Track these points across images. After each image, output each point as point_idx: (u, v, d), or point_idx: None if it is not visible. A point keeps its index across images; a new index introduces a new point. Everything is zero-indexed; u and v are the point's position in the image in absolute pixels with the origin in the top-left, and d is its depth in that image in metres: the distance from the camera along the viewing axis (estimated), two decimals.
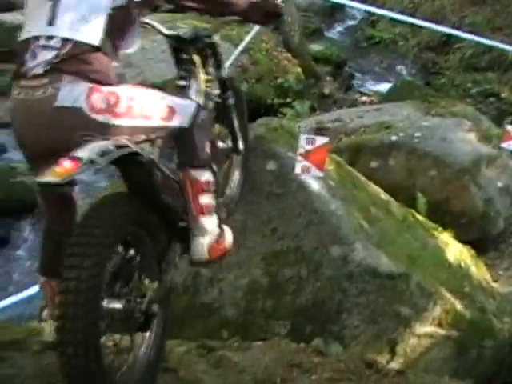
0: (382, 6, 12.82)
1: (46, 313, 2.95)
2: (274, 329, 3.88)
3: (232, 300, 3.96)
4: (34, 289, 4.59)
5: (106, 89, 2.66)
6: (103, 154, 2.49)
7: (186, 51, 3.38)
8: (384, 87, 10.90)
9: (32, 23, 2.74)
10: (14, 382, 2.92)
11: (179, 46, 3.39)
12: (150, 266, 2.84)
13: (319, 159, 3.84)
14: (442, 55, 11.97)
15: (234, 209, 3.91)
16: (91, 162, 2.44)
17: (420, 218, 4.99)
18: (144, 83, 6.15)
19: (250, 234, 4.01)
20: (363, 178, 4.74)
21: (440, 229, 4.99)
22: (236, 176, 3.96)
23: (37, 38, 2.67)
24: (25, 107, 2.65)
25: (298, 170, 3.86)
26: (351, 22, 14.14)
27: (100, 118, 2.63)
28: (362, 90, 11.01)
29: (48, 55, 2.62)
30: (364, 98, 10.38)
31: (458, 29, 11.26)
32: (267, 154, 4.11)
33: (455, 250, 4.82)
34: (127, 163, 2.71)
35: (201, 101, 3.28)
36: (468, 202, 5.84)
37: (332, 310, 3.87)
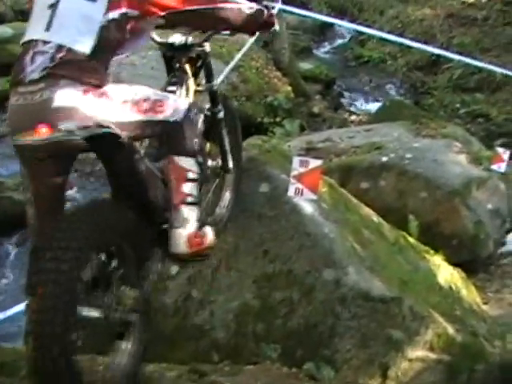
0: (371, 26, 12.91)
1: None
2: (265, 352, 3.83)
3: (223, 322, 3.92)
4: (20, 307, 4.54)
5: (100, 89, 2.74)
6: (83, 128, 2.59)
7: (177, 59, 3.40)
8: (373, 106, 10.97)
9: (33, 28, 2.85)
10: None
11: (170, 54, 3.40)
12: (129, 274, 2.82)
13: (313, 182, 3.82)
14: (430, 75, 12.05)
15: (222, 229, 3.88)
16: (69, 131, 2.52)
17: (411, 240, 4.98)
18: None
19: (242, 256, 3.98)
20: (355, 201, 4.72)
21: (431, 251, 4.99)
22: (227, 196, 3.95)
23: (35, 42, 2.77)
24: (24, 111, 2.70)
25: (291, 192, 3.84)
26: (340, 41, 14.22)
27: (96, 114, 2.70)
28: (351, 108, 11.06)
29: (44, 60, 2.71)
30: (353, 117, 10.41)
31: (446, 49, 11.37)
32: (260, 176, 4.09)
33: (446, 273, 4.81)
34: (108, 145, 2.75)
35: None
36: (458, 224, 5.84)
37: (324, 334, 3.84)
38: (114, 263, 2.78)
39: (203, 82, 3.60)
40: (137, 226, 2.85)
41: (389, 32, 12.00)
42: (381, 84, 12.20)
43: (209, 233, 3.21)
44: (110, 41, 2.82)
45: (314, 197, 3.87)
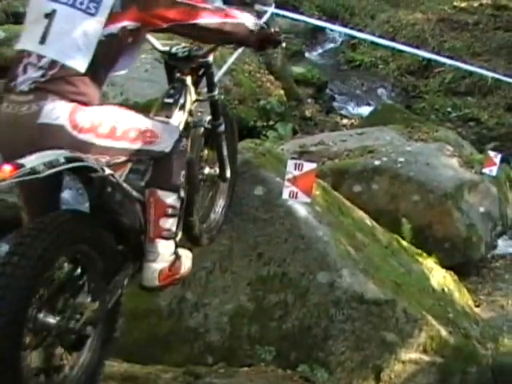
0: (362, 30, 12.94)
1: None
2: (260, 355, 3.85)
3: (217, 325, 3.94)
4: None
5: (89, 109, 2.67)
6: (50, 164, 2.45)
7: (178, 69, 3.36)
8: (365, 110, 10.97)
9: (27, 36, 2.77)
10: None
11: (172, 63, 3.37)
12: (95, 286, 2.78)
13: (307, 185, 3.84)
14: (422, 79, 12.06)
15: (216, 235, 3.88)
16: (32, 170, 2.38)
17: (404, 243, 5.01)
18: (127, 104, 6.17)
19: (236, 259, 4.00)
20: (349, 204, 4.75)
21: (424, 254, 5.02)
22: (221, 202, 3.93)
23: (29, 53, 2.69)
24: (10, 121, 2.66)
25: (285, 195, 3.86)
26: (332, 45, 14.20)
27: (82, 136, 2.64)
28: (343, 112, 11.04)
29: (36, 73, 2.65)
30: (345, 121, 10.40)
31: (437, 53, 11.38)
32: (255, 179, 4.11)
33: (439, 276, 4.85)
34: (81, 177, 2.72)
35: (183, 122, 3.26)
36: (451, 227, 5.87)
37: (318, 337, 3.86)
38: (80, 273, 2.73)
39: (204, 91, 3.55)
40: (108, 242, 2.81)
41: (380, 36, 12.02)
42: (372, 88, 12.20)
43: (185, 261, 3.19)
44: (106, 57, 2.74)
45: (308, 200, 3.89)
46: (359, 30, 12.53)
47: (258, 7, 3.55)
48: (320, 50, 14.08)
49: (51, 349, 2.64)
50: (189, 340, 3.94)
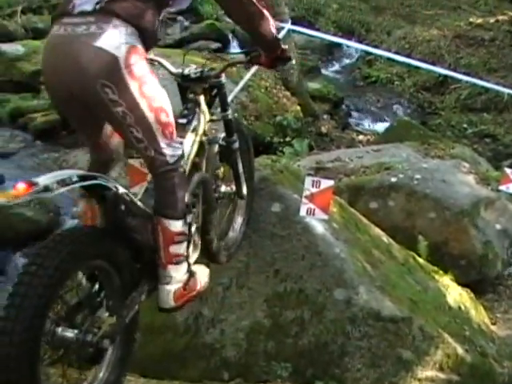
0: (378, 46, 12.99)
1: None
2: (276, 371, 3.86)
3: (233, 341, 3.94)
4: None
5: (146, 63, 2.68)
6: (63, 182, 2.48)
7: (191, 90, 3.39)
8: (380, 126, 10.99)
9: None
10: None
11: (185, 84, 3.40)
12: (113, 301, 2.81)
13: (324, 202, 3.86)
14: (438, 95, 12.08)
15: (234, 253, 3.89)
16: (46, 188, 2.41)
17: (420, 260, 5.01)
18: None
19: (253, 275, 4.01)
20: (365, 221, 4.76)
21: (440, 272, 5.01)
22: (239, 219, 3.95)
23: None
24: (60, 41, 2.63)
25: (303, 212, 3.88)
26: (348, 61, 14.27)
27: (128, 80, 2.63)
28: (359, 128, 11.06)
29: None
30: (361, 137, 10.42)
31: (453, 70, 11.43)
32: (272, 196, 4.12)
33: (455, 293, 4.83)
34: (94, 194, 2.75)
35: (196, 142, 3.28)
36: (467, 245, 5.85)
37: (334, 353, 3.86)
38: (99, 288, 2.77)
39: (218, 110, 3.58)
40: (124, 259, 2.84)
41: (396, 52, 12.07)
42: (388, 104, 12.23)
43: (201, 277, 3.19)
44: None
45: (325, 217, 3.91)
46: (375, 46, 12.61)
47: (275, 23, 3.57)
48: (336, 66, 14.14)
49: (69, 363, 2.67)
50: (205, 356, 3.95)
